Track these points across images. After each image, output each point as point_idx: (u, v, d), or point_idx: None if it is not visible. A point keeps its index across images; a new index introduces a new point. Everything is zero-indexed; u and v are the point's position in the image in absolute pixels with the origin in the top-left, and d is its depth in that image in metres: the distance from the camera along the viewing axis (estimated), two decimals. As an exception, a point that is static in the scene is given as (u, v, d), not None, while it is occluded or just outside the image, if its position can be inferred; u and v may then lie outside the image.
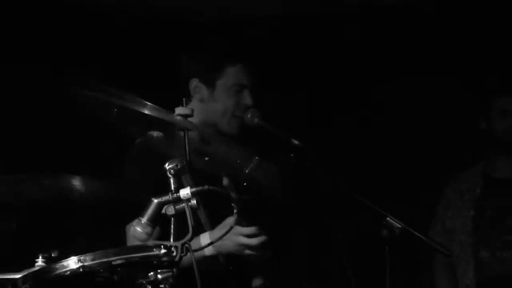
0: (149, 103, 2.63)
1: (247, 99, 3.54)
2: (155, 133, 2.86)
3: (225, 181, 3.18)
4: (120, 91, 2.61)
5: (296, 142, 3.38)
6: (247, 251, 3.32)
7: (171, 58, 3.86)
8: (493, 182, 4.75)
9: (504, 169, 4.73)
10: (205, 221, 3.32)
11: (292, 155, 3.33)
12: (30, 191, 2.60)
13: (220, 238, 2.93)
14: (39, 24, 4.79)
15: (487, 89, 4.92)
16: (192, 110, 2.95)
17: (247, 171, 3.07)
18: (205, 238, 3.19)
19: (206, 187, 2.63)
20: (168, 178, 2.64)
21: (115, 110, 2.69)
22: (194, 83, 3.56)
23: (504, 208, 4.67)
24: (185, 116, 2.82)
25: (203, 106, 3.54)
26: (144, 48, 5.18)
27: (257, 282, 3.61)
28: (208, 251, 3.26)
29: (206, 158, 2.94)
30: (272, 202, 3.48)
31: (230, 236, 3.17)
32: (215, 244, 3.17)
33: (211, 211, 3.27)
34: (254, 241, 3.29)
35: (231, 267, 3.39)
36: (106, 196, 2.70)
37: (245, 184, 3.18)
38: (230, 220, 3.10)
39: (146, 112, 2.64)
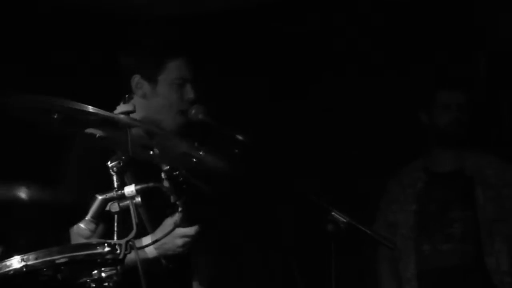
0: (89, 106, 2.59)
1: (189, 93, 3.51)
2: (96, 132, 2.82)
3: (166, 183, 3.15)
4: (56, 97, 2.56)
5: (240, 137, 3.36)
6: (182, 250, 3.32)
7: (109, 55, 3.84)
8: (434, 176, 4.81)
9: (444, 162, 4.79)
10: (146, 219, 3.30)
11: (236, 150, 3.32)
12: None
13: (163, 238, 2.94)
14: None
15: (428, 84, 4.99)
16: (134, 106, 2.92)
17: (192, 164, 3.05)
18: (147, 240, 3.15)
19: (151, 184, 2.62)
20: (112, 176, 2.63)
21: (55, 115, 2.65)
22: (136, 79, 3.53)
23: (446, 202, 4.73)
24: (127, 113, 2.79)
25: (146, 102, 3.52)
26: (81, 45, 5.12)
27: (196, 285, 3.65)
28: (150, 253, 3.26)
29: (151, 152, 2.89)
30: (216, 198, 3.48)
31: (171, 237, 3.19)
32: (157, 245, 3.19)
33: (153, 209, 3.24)
34: (195, 242, 3.31)
35: (170, 266, 3.38)
36: (50, 203, 2.68)
37: (182, 180, 3.16)
38: (171, 220, 3.11)
39: (88, 111, 2.61)
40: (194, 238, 3.29)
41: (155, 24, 5.23)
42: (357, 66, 5.42)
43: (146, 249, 3.16)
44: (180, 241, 3.25)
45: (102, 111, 2.58)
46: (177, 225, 2.89)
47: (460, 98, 4.74)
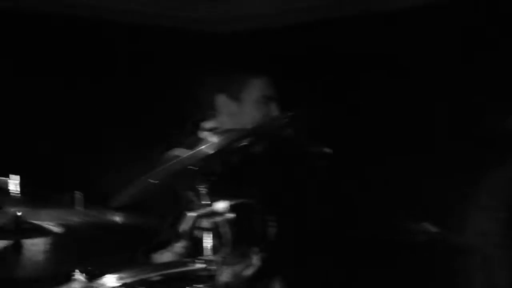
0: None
1: (274, 110, 3.55)
2: (177, 152, 2.88)
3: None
4: None
5: (327, 150, 3.37)
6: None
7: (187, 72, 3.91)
8: None
9: None
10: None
11: (321, 162, 3.34)
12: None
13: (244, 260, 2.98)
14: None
15: None
16: (219, 123, 2.97)
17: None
18: None
19: (243, 200, 2.65)
20: (201, 193, 2.66)
21: None
22: (221, 98, 3.59)
23: None
24: (214, 129, 2.83)
25: (232, 120, 3.56)
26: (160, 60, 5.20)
27: None
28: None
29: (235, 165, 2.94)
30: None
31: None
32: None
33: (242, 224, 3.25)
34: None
35: None
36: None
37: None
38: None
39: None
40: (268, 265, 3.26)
41: (235, 40, 5.29)
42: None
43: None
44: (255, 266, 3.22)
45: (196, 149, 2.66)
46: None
47: None
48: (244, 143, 2.94)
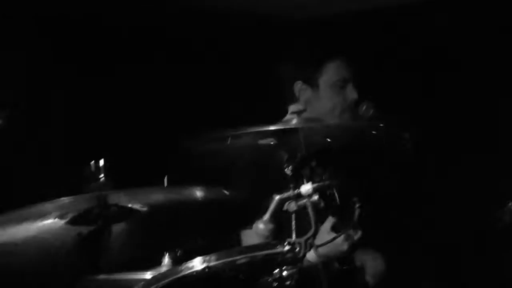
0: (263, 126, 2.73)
1: (352, 93, 3.58)
2: (269, 141, 2.91)
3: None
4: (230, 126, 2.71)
5: (407, 135, 3.37)
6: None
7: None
8: None
9: None
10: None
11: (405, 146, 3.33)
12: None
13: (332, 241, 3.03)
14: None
15: None
16: (305, 104, 2.99)
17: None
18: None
19: (327, 182, 2.67)
20: (287, 176, 2.69)
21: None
22: (298, 85, 3.63)
23: None
24: (299, 112, 2.86)
25: (310, 106, 3.61)
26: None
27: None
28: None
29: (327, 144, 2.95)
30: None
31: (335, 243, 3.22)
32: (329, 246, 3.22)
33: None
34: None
35: (345, 268, 3.45)
36: (225, 203, 2.78)
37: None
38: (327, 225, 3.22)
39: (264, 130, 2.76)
40: (358, 243, 3.32)
41: (307, 26, 5.31)
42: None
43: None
44: (345, 246, 3.28)
45: (278, 124, 2.74)
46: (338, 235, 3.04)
47: None
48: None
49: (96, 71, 4.59)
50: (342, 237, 3.21)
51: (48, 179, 3.67)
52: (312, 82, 3.63)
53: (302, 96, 3.63)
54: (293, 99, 3.64)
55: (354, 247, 3.29)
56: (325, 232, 3.16)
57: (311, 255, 3.08)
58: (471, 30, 5.28)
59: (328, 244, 3.13)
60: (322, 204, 2.65)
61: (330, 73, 3.62)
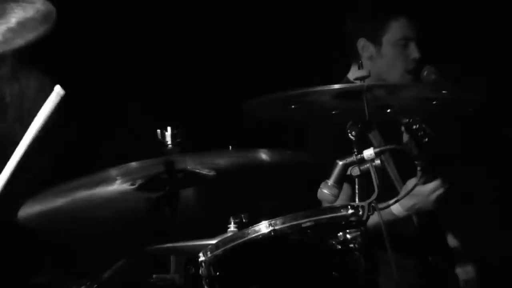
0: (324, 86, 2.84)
1: (414, 52, 3.73)
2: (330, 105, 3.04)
3: (405, 137, 3.32)
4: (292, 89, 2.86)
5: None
6: (437, 205, 3.51)
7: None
8: None
9: None
10: (396, 177, 3.56)
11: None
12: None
13: (403, 197, 3.11)
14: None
15: None
16: (369, 72, 3.05)
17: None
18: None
19: (389, 146, 2.76)
20: (351, 141, 2.76)
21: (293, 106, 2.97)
22: (362, 42, 3.78)
23: None
24: (363, 78, 2.92)
25: (372, 64, 3.75)
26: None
27: (453, 241, 3.89)
28: (398, 212, 3.47)
29: (388, 111, 3.04)
30: (447, 151, 3.63)
31: (422, 197, 3.42)
32: (405, 206, 3.43)
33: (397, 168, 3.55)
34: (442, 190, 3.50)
35: (423, 222, 3.63)
36: (292, 166, 2.91)
37: (422, 133, 3.34)
38: (413, 180, 3.31)
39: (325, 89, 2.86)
40: (445, 190, 3.48)
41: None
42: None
43: (395, 210, 3.42)
44: (433, 197, 3.45)
45: (339, 85, 2.82)
46: (418, 184, 3.08)
47: None
48: None
49: (165, 42, 4.75)
50: (430, 188, 3.44)
51: (120, 145, 3.82)
52: (375, 40, 3.79)
53: (364, 53, 3.80)
54: (357, 56, 3.79)
55: (440, 199, 3.49)
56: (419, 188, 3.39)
57: (396, 208, 3.40)
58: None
59: (415, 196, 3.38)
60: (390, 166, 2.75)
61: (393, 31, 3.77)
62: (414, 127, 3.27)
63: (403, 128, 3.32)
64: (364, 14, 3.91)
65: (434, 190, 3.47)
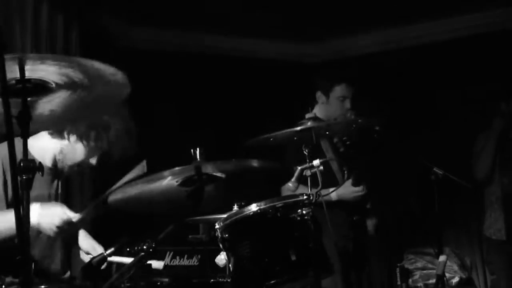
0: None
1: (347, 105, 5.20)
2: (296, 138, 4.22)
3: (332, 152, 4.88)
4: None
5: (377, 128, 4.88)
6: (358, 199, 4.88)
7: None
8: None
9: None
10: (337, 171, 4.95)
11: (376, 135, 4.81)
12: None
13: (337, 189, 4.59)
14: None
15: None
16: (315, 114, 4.44)
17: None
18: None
19: (327, 158, 4.32)
20: (305, 154, 4.05)
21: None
22: (318, 94, 5.31)
23: None
24: (314, 118, 4.30)
25: (323, 108, 5.24)
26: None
27: (370, 223, 5.26)
28: (334, 197, 4.79)
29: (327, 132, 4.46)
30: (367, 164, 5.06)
31: (349, 192, 4.86)
32: (340, 194, 4.81)
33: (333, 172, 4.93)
34: (361, 193, 4.91)
35: (355, 218, 5.05)
36: (270, 169, 3.72)
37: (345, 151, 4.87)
38: (348, 182, 4.74)
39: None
40: (363, 194, 4.91)
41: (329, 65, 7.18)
42: None
43: (332, 196, 4.74)
44: (354, 195, 4.93)
45: (308, 123, 4.06)
46: (352, 184, 4.63)
47: None
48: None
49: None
50: (353, 190, 4.85)
51: (170, 157, 3.91)
52: (326, 94, 5.24)
53: (319, 100, 5.23)
54: (314, 102, 5.14)
55: (358, 198, 4.92)
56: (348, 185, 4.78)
57: (333, 195, 4.80)
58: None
59: (344, 189, 4.76)
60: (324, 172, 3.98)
61: (336, 91, 5.27)
62: (338, 145, 4.77)
63: (335, 143, 4.76)
64: (322, 78, 5.31)
65: (355, 192, 4.86)
